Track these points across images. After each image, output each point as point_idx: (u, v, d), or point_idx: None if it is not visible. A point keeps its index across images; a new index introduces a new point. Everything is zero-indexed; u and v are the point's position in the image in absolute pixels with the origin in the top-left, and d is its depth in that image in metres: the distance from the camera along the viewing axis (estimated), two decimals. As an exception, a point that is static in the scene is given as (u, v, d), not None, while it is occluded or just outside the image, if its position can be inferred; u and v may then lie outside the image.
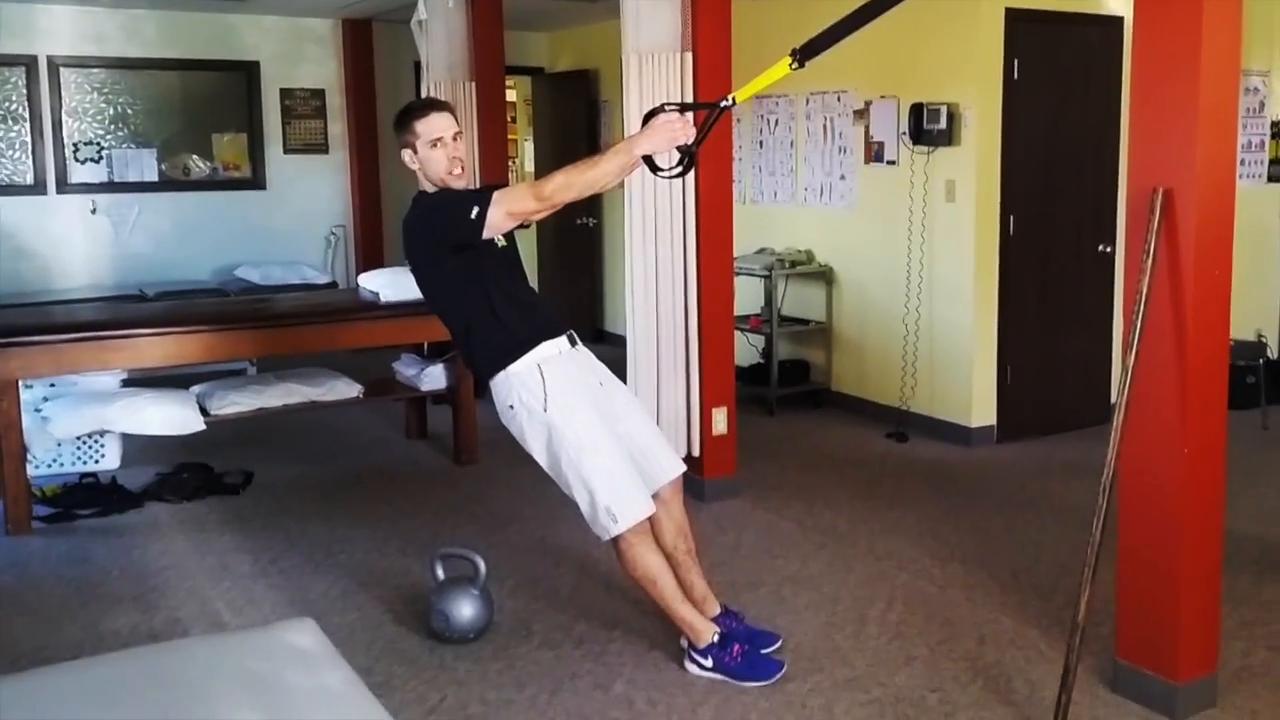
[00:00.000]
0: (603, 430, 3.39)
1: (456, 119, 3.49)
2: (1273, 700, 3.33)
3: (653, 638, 3.79)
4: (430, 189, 3.47)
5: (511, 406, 3.41)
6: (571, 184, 3.18)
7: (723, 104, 3.15)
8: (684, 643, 3.55)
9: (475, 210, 3.23)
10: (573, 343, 3.50)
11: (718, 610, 3.66)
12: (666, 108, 3.16)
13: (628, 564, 3.44)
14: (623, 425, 3.49)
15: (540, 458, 3.44)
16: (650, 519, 3.45)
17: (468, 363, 3.58)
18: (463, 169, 3.43)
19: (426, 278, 3.48)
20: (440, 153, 3.39)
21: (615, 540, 3.40)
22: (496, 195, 3.26)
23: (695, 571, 3.66)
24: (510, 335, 3.39)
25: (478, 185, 4.92)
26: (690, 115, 3.16)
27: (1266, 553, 4.52)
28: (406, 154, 3.44)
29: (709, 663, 3.47)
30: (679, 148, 3.10)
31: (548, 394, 3.35)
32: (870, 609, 4.02)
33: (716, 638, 3.48)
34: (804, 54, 3.01)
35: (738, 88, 5.04)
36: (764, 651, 3.59)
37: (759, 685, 3.43)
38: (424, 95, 6.77)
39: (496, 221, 3.24)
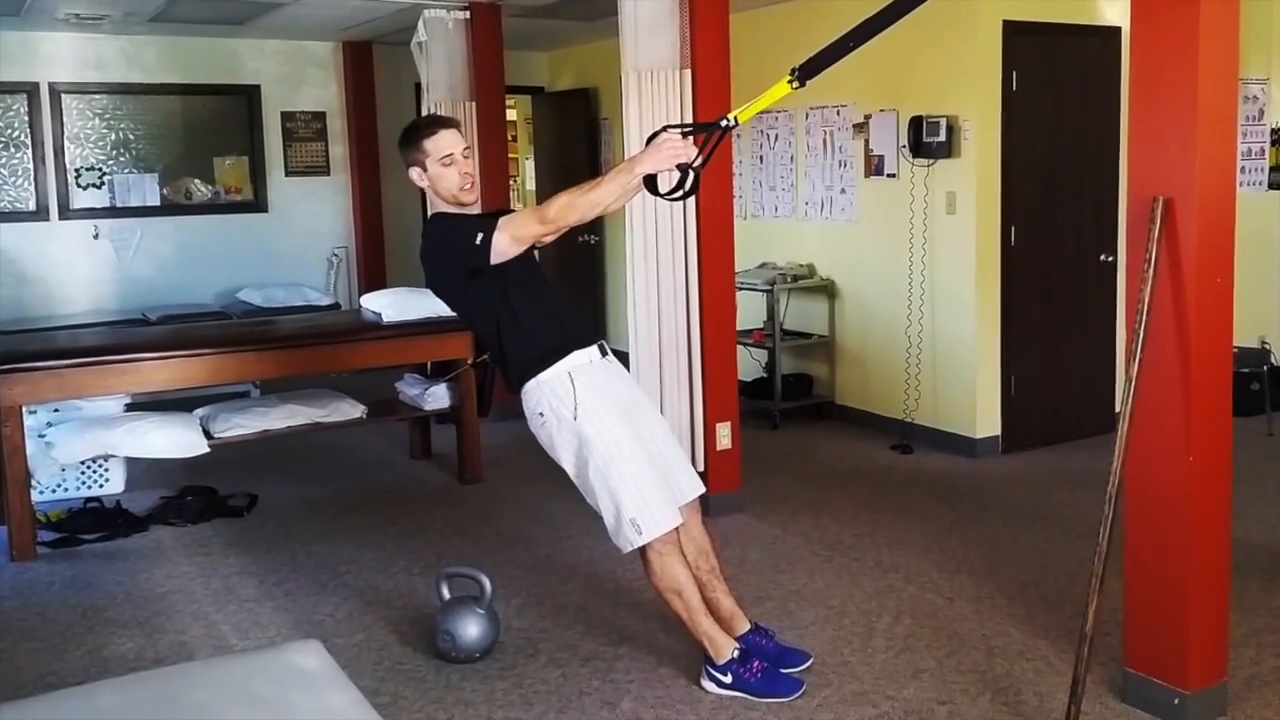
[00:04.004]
0: (632, 441, 3.38)
1: (463, 135, 3.50)
2: (1284, 708, 3.31)
3: (660, 654, 3.78)
4: (443, 207, 3.46)
5: (541, 414, 3.40)
6: (575, 205, 3.19)
7: (724, 124, 3.15)
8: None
9: (480, 236, 3.24)
10: (603, 353, 3.50)
11: (747, 627, 3.64)
12: (669, 130, 3.17)
13: (655, 574, 3.42)
14: (647, 438, 3.47)
15: (568, 466, 3.44)
16: None
17: (500, 371, 3.55)
18: (474, 184, 3.44)
19: (453, 300, 3.51)
20: (452, 170, 3.38)
21: (644, 550, 3.39)
22: (501, 221, 3.26)
23: (721, 589, 3.65)
24: (541, 343, 3.39)
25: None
26: (692, 137, 3.16)
27: (1275, 560, 4.50)
28: (415, 172, 3.42)
29: (728, 679, 3.45)
30: (679, 167, 3.09)
31: (578, 402, 3.35)
32: (878, 622, 4.01)
33: (736, 653, 3.47)
34: (804, 73, 3.02)
35: (737, 104, 5.06)
36: (794, 670, 3.57)
37: (776, 702, 3.41)
38: (425, 115, 6.79)
39: (503, 247, 3.25)
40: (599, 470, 3.35)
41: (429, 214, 3.55)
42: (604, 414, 3.36)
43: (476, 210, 3.49)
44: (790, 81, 3.02)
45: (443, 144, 3.39)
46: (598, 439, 3.34)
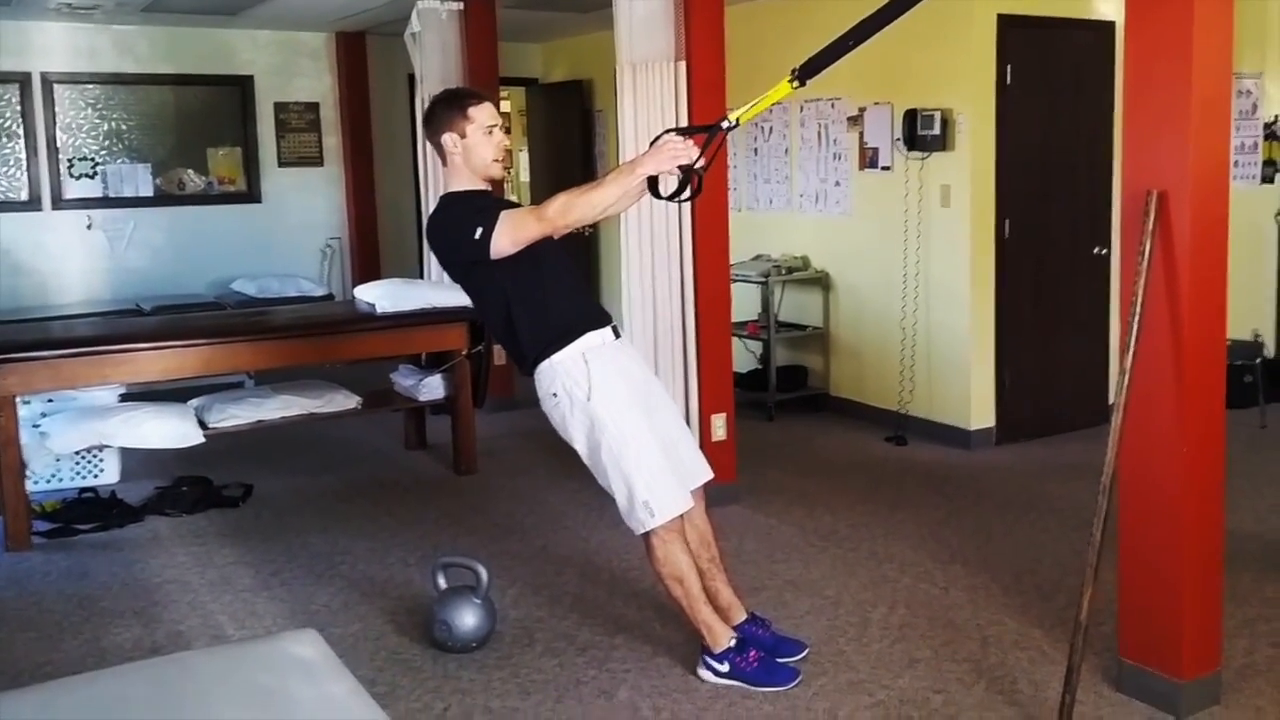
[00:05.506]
0: (644, 423, 3.39)
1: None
2: (1277, 697, 3.33)
3: (656, 644, 3.79)
4: (459, 183, 3.44)
5: (555, 395, 3.40)
6: (573, 205, 3.19)
7: (724, 125, 3.15)
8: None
9: (479, 232, 3.24)
10: (616, 334, 3.50)
11: (744, 617, 3.66)
12: (670, 133, 3.17)
13: (658, 560, 3.43)
14: (658, 421, 3.49)
15: (580, 447, 3.44)
16: None
17: (510, 352, 3.55)
18: (505, 160, 3.44)
19: (460, 281, 3.50)
20: (490, 141, 3.39)
21: (648, 535, 3.40)
22: (501, 217, 3.25)
23: (720, 579, 3.66)
24: (555, 324, 3.39)
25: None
26: (693, 139, 3.16)
27: (1267, 550, 4.53)
28: (450, 138, 3.39)
29: (724, 668, 3.47)
30: (681, 168, 3.09)
31: (592, 384, 3.35)
32: (873, 612, 4.02)
33: (733, 643, 3.48)
34: (804, 73, 3.03)
35: (732, 96, 5.08)
36: (790, 660, 3.58)
37: (772, 691, 3.43)
38: (420, 108, 6.78)
39: (501, 247, 3.24)
40: (611, 452, 3.35)
41: (441, 192, 3.52)
42: (617, 396, 3.37)
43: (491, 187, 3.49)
44: (791, 82, 3.03)
45: (486, 114, 3.40)
46: (610, 421, 3.34)
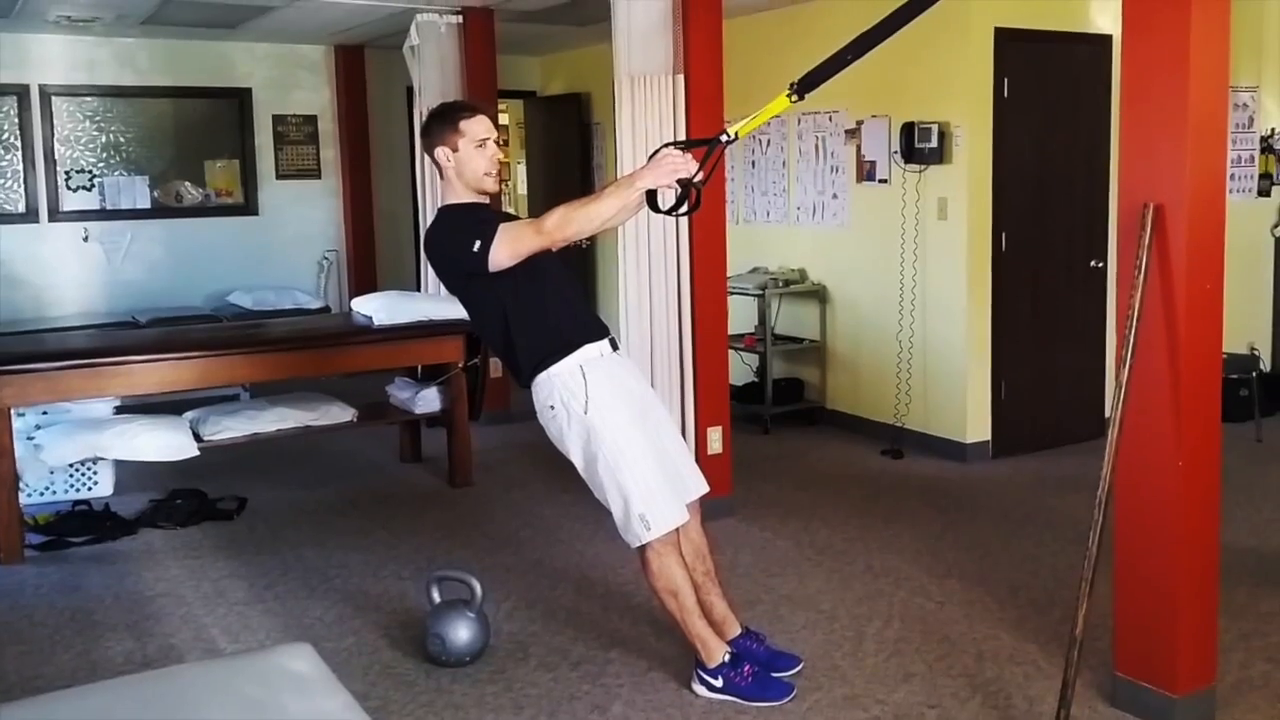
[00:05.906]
0: (641, 436, 3.39)
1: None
2: (1272, 713, 3.32)
3: (651, 658, 3.78)
4: (456, 197, 3.45)
5: (552, 407, 3.40)
6: (572, 219, 3.19)
7: (723, 139, 3.15)
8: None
9: (478, 244, 3.24)
10: (614, 347, 3.50)
11: (738, 631, 3.65)
12: (669, 146, 3.17)
13: (653, 574, 3.43)
14: (655, 434, 3.48)
15: (576, 460, 3.43)
16: None
17: (507, 364, 3.54)
18: (500, 172, 3.43)
19: (457, 294, 3.51)
20: (482, 154, 3.39)
21: (643, 549, 3.39)
22: (500, 230, 3.26)
23: (715, 593, 3.65)
24: (553, 336, 3.39)
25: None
26: (692, 152, 3.16)
27: (1263, 565, 4.52)
28: (442, 153, 3.40)
29: (719, 683, 3.46)
30: (680, 182, 3.09)
31: (589, 396, 3.35)
32: (868, 626, 4.01)
33: (728, 657, 3.47)
34: (802, 87, 3.03)
35: (729, 109, 5.09)
36: (785, 675, 3.57)
37: (766, 706, 3.42)
38: (418, 121, 6.79)
39: (499, 260, 3.24)
40: (608, 464, 3.35)
41: (439, 205, 3.53)
42: (614, 408, 3.37)
43: (488, 200, 3.50)
44: (789, 95, 3.04)
45: (479, 127, 3.40)
46: (607, 433, 3.34)
